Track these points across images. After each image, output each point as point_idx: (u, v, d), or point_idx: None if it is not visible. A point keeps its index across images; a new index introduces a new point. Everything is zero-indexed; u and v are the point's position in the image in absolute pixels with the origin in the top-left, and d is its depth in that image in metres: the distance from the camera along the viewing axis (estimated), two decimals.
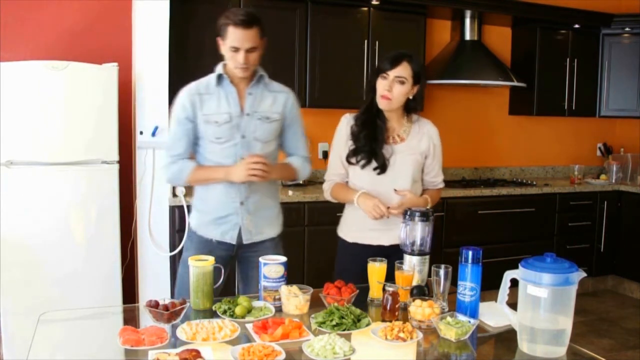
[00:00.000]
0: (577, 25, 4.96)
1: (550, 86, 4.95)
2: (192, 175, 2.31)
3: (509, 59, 5.14)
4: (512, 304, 1.73)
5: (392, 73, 2.29)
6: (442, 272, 1.93)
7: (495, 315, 1.85)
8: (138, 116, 3.54)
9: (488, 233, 4.47)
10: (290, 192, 3.93)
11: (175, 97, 2.36)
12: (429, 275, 2.04)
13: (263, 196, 2.38)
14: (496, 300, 1.81)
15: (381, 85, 2.32)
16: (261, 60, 2.30)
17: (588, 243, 4.94)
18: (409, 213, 2.12)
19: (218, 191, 2.33)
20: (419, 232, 2.09)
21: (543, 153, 5.47)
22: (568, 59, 4.99)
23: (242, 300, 1.88)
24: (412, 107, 2.42)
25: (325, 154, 4.46)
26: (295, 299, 1.88)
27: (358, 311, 1.81)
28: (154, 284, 3.58)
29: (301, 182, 4.21)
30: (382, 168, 2.35)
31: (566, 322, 1.62)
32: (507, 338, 1.76)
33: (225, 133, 2.27)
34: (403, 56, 2.31)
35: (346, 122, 2.45)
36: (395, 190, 2.34)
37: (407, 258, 2.07)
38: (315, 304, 1.92)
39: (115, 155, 3.33)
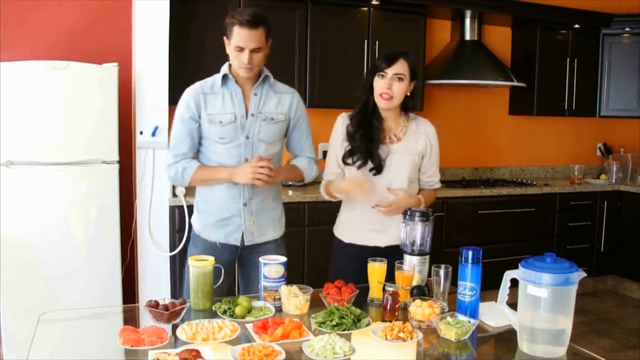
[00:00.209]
0: (577, 25, 4.96)
1: (550, 86, 4.95)
2: (195, 175, 2.30)
3: (509, 59, 5.14)
4: (512, 304, 1.73)
5: (391, 71, 2.28)
6: (442, 272, 1.93)
7: (495, 315, 1.85)
8: (138, 116, 3.54)
9: (488, 233, 4.47)
10: (290, 192, 3.93)
11: (176, 97, 2.36)
12: (429, 275, 2.04)
13: (266, 198, 2.38)
14: (496, 300, 1.81)
15: (380, 84, 2.30)
16: (264, 62, 2.30)
17: (588, 243, 4.94)
18: (409, 213, 2.12)
19: (221, 192, 2.32)
20: (419, 232, 2.09)
21: (543, 153, 5.47)
22: (568, 59, 4.99)
23: (242, 300, 1.88)
24: (409, 106, 2.40)
25: (325, 154, 4.43)
26: (295, 299, 1.88)
27: (358, 311, 1.81)
28: (154, 284, 3.58)
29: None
30: (378, 169, 2.34)
31: (566, 322, 1.62)
32: (507, 338, 1.76)
33: (229, 133, 2.27)
34: (400, 53, 2.31)
35: (342, 121, 2.43)
36: (389, 189, 2.34)
37: (407, 258, 2.07)
38: (315, 304, 1.92)
39: (115, 155, 3.33)
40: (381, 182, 2.35)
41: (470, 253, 1.85)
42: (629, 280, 5.00)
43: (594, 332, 4.12)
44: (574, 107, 5.06)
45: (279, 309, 1.91)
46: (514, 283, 1.70)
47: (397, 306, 1.84)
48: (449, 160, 4.95)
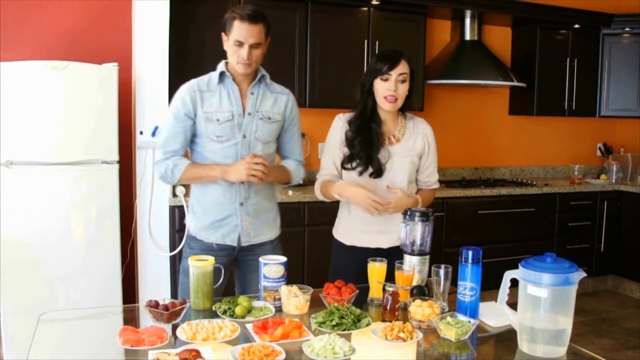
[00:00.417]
0: (577, 25, 4.96)
1: (550, 86, 4.96)
2: (185, 173, 2.25)
3: (509, 59, 5.14)
4: (512, 304, 1.73)
5: (395, 72, 2.26)
6: (442, 272, 1.93)
7: (495, 315, 1.85)
8: (138, 116, 3.54)
9: (488, 233, 4.47)
10: (290, 192, 3.93)
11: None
12: (429, 275, 2.04)
13: (262, 198, 2.36)
14: (496, 300, 1.81)
15: (383, 86, 2.28)
16: (262, 61, 2.29)
17: (588, 243, 4.94)
18: (409, 213, 2.12)
19: (217, 192, 2.29)
20: (419, 232, 2.08)
21: (543, 153, 5.47)
22: (568, 59, 4.99)
23: (242, 300, 1.88)
24: (409, 105, 2.39)
25: None
26: (295, 299, 1.88)
27: (358, 311, 1.81)
28: (154, 284, 3.58)
29: (301, 182, 4.22)
30: (378, 173, 2.33)
31: (566, 322, 1.62)
32: (507, 338, 1.76)
33: (226, 131, 2.25)
34: (400, 54, 2.29)
35: (341, 123, 2.40)
36: (388, 187, 2.33)
37: (407, 258, 2.07)
38: (315, 304, 1.92)
39: (115, 155, 3.33)
40: (381, 183, 2.35)
41: (470, 253, 1.85)
42: (629, 280, 5.00)
43: (594, 332, 4.12)
44: (574, 107, 5.06)
45: (279, 309, 1.91)
46: (514, 283, 1.70)
47: (397, 306, 1.84)
48: (449, 160, 4.95)
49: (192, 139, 2.30)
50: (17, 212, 3.14)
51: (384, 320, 1.83)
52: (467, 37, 4.76)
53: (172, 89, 3.41)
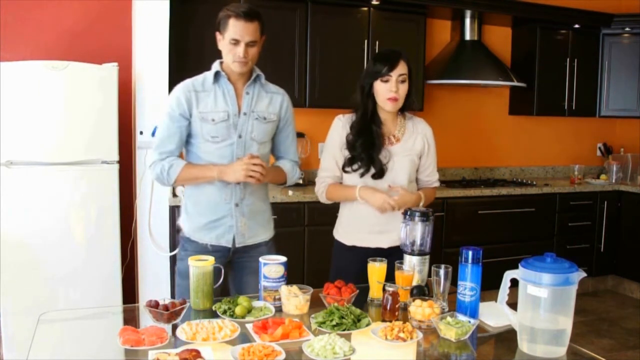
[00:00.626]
0: (577, 25, 4.96)
1: (550, 86, 4.95)
2: (182, 174, 2.22)
3: (509, 59, 5.14)
4: (512, 304, 1.73)
5: (395, 73, 2.27)
6: (442, 272, 1.93)
7: (495, 315, 1.85)
8: (138, 116, 3.54)
9: (488, 233, 4.47)
10: (290, 192, 3.93)
11: None
12: (429, 275, 2.04)
13: (256, 199, 2.34)
14: (496, 300, 1.81)
15: (384, 88, 2.28)
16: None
17: (588, 243, 4.94)
18: (409, 213, 2.12)
19: (212, 193, 2.27)
20: (419, 232, 2.09)
21: (543, 153, 5.47)
22: (568, 59, 4.99)
23: (242, 300, 1.88)
24: (409, 105, 2.39)
25: None
26: (295, 299, 1.88)
27: (358, 311, 1.81)
28: (154, 284, 3.58)
29: (301, 182, 4.23)
30: (380, 174, 2.34)
31: (566, 322, 1.62)
32: (507, 338, 1.76)
33: (221, 132, 2.23)
34: (399, 55, 2.30)
35: (341, 124, 2.40)
36: (389, 186, 2.33)
37: (407, 258, 2.07)
38: (315, 304, 1.92)
39: (115, 155, 3.33)
40: (382, 183, 2.35)
41: (470, 253, 1.85)
42: (629, 280, 5.00)
43: (594, 332, 4.12)
44: (574, 107, 5.06)
45: (279, 309, 1.91)
46: (514, 283, 1.70)
47: (397, 306, 1.84)
48: (449, 160, 4.95)
49: (187, 139, 2.28)
50: (17, 212, 3.14)
51: (384, 320, 1.83)
52: (467, 37, 4.76)
53: (172, 89, 3.43)
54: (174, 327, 1.72)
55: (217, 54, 2.30)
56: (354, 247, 2.42)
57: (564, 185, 4.91)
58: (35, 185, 3.16)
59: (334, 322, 1.72)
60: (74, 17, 3.75)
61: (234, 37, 2.15)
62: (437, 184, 2.54)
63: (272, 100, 2.33)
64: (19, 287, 3.15)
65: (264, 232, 2.40)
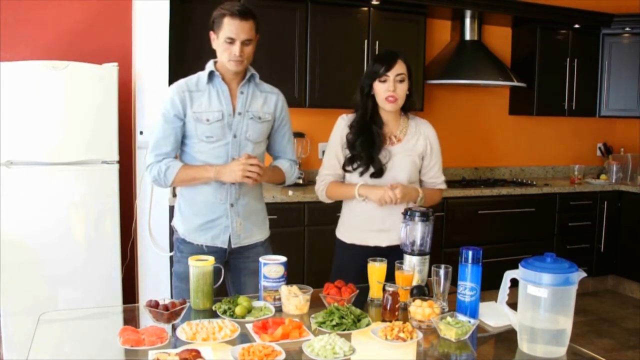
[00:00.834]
0: (577, 25, 4.96)
1: (550, 86, 4.95)
2: (179, 175, 2.21)
3: (509, 59, 5.14)
4: (512, 304, 1.73)
5: (392, 73, 2.28)
6: (442, 272, 1.93)
7: (495, 315, 1.85)
8: (138, 116, 3.54)
9: (488, 233, 4.47)
10: (290, 192, 3.93)
11: None
12: (429, 275, 2.04)
13: (251, 199, 2.33)
14: (496, 300, 1.81)
15: (382, 88, 2.30)
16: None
17: (588, 243, 4.94)
18: (409, 213, 2.12)
19: (207, 193, 2.26)
20: (419, 232, 2.09)
21: (543, 153, 5.47)
22: (568, 59, 4.99)
23: (242, 300, 1.88)
24: (409, 105, 2.40)
25: None
26: (295, 299, 1.88)
27: (358, 311, 1.81)
28: (154, 284, 3.58)
29: (301, 182, 4.23)
30: (379, 173, 2.34)
31: (566, 322, 1.62)
32: (507, 338, 1.76)
33: (216, 132, 2.21)
34: (396, 55, 2.31)
35: (344, 124, 2.42)
36: (391, 185, 2.33)
37: (407, 258, 2.07)
38: (315, 304, 1.92)
39: (115, 155, 3.33)
40: (382, 183, 2.35)
41: (470, 253, 1.85)
42: (629, 280, 5.00)
43: (594, 332, 4.12)
44: (574, 107, 5.06)
45: (279, 309, 1.91)
46: (514, 283, 1.70)
47: (397, 306, 1.84)
48: (449, 160, 4.91)
49: (182, 139, 2.26)
50: (17, 212, 3.14)
51: (384, 320, 1.83)
52: (467, 37, 4.76)
53: None
54: (174, 327, 1.72)
55: (217, 54, 2.30)
56: (353, 245, 2.44)
57: (564, 185, 4.91)
58: (35, 185, 3.16)
59: (334, 322, 1.72)
60: (74, 17, 3.75)
61: (229, 36, 2.14)
62: (442, 186, 2.52)
63: (267, 99, 2.32)
64: (19, 287, 3.15)
65: (260, 232, 2.39)
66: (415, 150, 2.41)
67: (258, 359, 1.49)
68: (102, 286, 3.32)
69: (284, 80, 3.93)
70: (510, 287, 1.75)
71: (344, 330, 1.70)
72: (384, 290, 1.88)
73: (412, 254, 2.08)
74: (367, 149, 2.34)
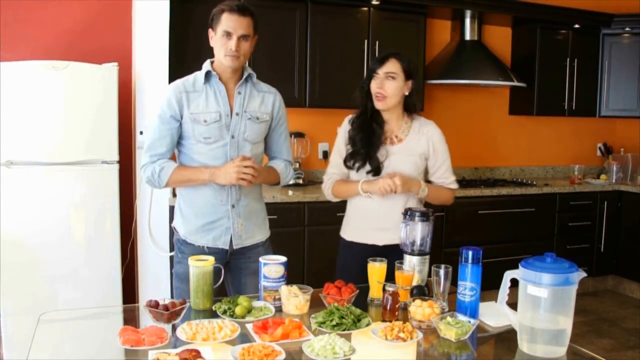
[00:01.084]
0: (577, 25, 4.96)
1: (550, 86, 4.96)
2: (173, 176, 2.19)
3: (509, 59, 5.14)
4: (512, 304, 1.73)
5: (382, 70, 2.31)
6: (442, 272, 1.93)
7: (495, 315, 1.85)
8: (138, 116, 3.54)
9: (488, 233, 4.47)
10: (290, 192, 3.93)
11: None
12: (429, 275, 2.04)
13: (252, 200, 2.33)
14: (496, 300, 1.81)
15: (374, 85, 2.34)
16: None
17: (588, 243, 4.94)
18: (409, 213, 2.12)
19: (208, 194, 2.25)
20: (419, 232, 2.09)
21: (543, 153, 5.47)
22: (568, 59, 4.99)
23: (242, 300, 1.88)
24: (409, 106, 2.41)
25: (326, 154, 4.45)
26: (295, 299, 1.88)
27: (358, 311, 1.81)
28: (154, 284, 3.58)
29: (301, 182, 4.23)
30: (376, 171, 2.35)
31: (566, 322, 1.62)
32: (507, 338, 1.76)
33: (214, 133, 2.20)
34: (391, 54, 2.34)
35: (348, 123, 2.46)
36: (387, 174, 2.33)
37: (407, 258, 2.07)
38: (315, 304, 1.92)
39: (115, 155, 3.33)
40: None
41: (470, 253, 1.85)
42: (629, 280, 5.00)
43: (594, 332, 4.12)
44: (574, 107, 5.06)
45: (279, 309, 1.91)
46: (514, 283, 1.70)
47: (397, 306, 1.84)
48: None
49: (179, 141, 2.25)
50: (17, 212, 3.14)
51: (384, 320, 1.83)
52: (467, 37, 4.76)
53: None
54: (174, 327, 1.72)
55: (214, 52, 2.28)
56: (352, 243, 2.46)
57: (564, 185, 4.91)
58: (35, 185, 3.16)
59: (334, 322, 1.72)
60: (74, 17, 3.75)
61: (226, 29, 2.13)
62: (452, 186, 2.49)
63: (264, 99, 2.31)
64: (19, 287, 3.15)
65: (260, 233, 2.39)
66: (417, 151, 2.40)
67: (258, 359, 1.49)
68: (102, 286, 3.32)
69: (284, 80, 3.93)
70: (510, 287, 1.75)
71: (344, 330, 1.70)
72: (384, 290, 1.88)
73: (412, 254, 2.08)
74: (365, 145, 2.36)
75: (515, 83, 4.71)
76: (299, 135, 4.34)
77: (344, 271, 2.38)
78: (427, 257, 2.09)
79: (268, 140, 2.39)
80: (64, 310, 2.17)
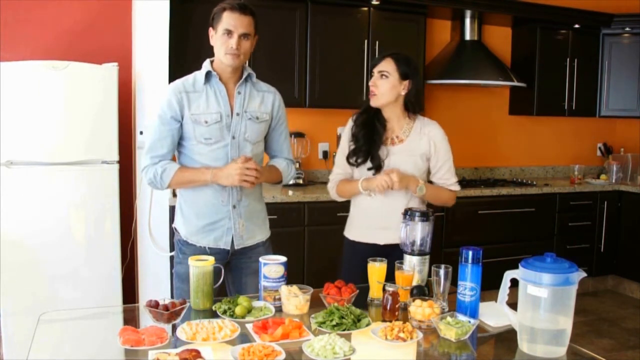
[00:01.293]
0: (577, 25, 4.96)
1: (550, 86, 4.96)
2: (175, 177, 2.18)
3: (509, 59, 5.14)
4: (512, 304, 1.73)
5: (377, 69, 2.37)
6: (442, 272, 1.93)
7: (495, 315, 1.85)
8: (138, 116, 3.54)
9: (488, 233, 4.47)
10: (290, 192, 3.93)
11: None
12: (429, 275, 2.04)
13: (253, 200, 2.33)
14: (496, 300, 1.81)
15: (370, 82, 2.40)
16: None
17: (588, 243, 4.94)
18: (409, 213, 2.12)
19: (209, 195, 2.24)
20: (419, 232, 2.09)
21: (543, 153, 5.47)
22: (568, 59, 4.99)
23: (242, 300, 1.88)
24: (410, 105, 2.41)
25: (326, 154, 4.46)
26: (295, 299, 1.88)
27: (358, 311, 1.81)
28: (154, 284, 3.58)
29: (301, 181, 4.23)
30: (377, 169, 2.36)
31: (566, 322, 1.62)
32: (507, 338, 1.76)
33: (215, 133, 2.19)
34: (389, 54, 2.38)
35: (352, 121, 2.49)
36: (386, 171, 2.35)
37: (407, 258, 2.07)
38: (315, 304, 1.92)
39: (115, 155, 3.33)
40: None
41: (470, 253, 1.85)
42: (629, 280, 5.00)
43: (594, 332, 4.12)
44: (574, 107, 5.06)
45: (279, 309, 1.91)
46: (514, 283, 1.70)
47: (397, 306, 1.84)
48: None
49: (180, 141, 2.24)
50: (17, 212, 3.14)
51: (384, 320, 1.83)
52: (467, 37, 4.76)
53: None
54: (174, 327, 1.72)
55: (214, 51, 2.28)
56: (355, 242, 2.48)
57: (564, 185, 4.91)
58: (35, 185, 3.16)
59: (334, 322, 1.72)
60: (74, 17, 3.75)
61: (227, 28, 2.13)
62: (454, 187, 2.48)
63: (264, 99, 2.31)
64: (19, 287, 3.15)
65: (261, 233, 2.39)
66: (418, 152, 2.40)
67: (258, 359, 1.49)
68: (102, 286, 3.32)
69: (284, 80, 3.93)
70: (510, 287, 1.75)
71: (344, 330, 1.70)
72: (384, 290, 1.88)
73: (412, 254, 2.08)
74: (367, 142, 2.38)
75: (515, 83, 4.71)
76: (299, 135, 4.34)
77: (347, 270, 2.40)
78: (427, 257, 2.09)
79: (268, 139, 2.39)
80: (64, 310, 2.16)
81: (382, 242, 2.39)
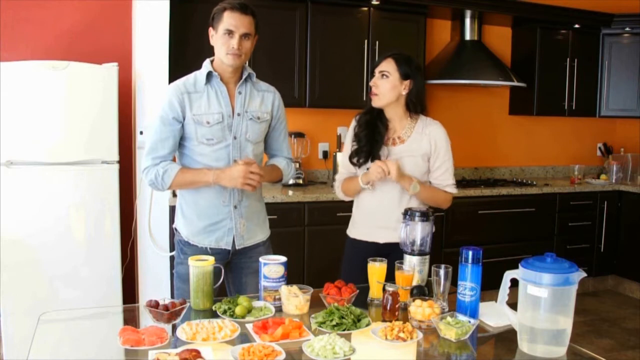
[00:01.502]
0: (577, 25, 4.96)
1: (550, 86, 4.96)
2: (176, 178, 2.17)
3: (509, 59, 5.14)
4: (512, 304, 1.73)
5: (377, 69, 2.38)
6: (442, 272, 1.93)
7: (495, 315, 1.85)
8: (138, 116, 3.54)
9: (488, 233, 4.47)
10: (290, 192, 3.93)
11: None
12: (429, 275, 2.04)
13: (253, 200, 2.33)
14: (496, 300, 1.81)
15: (371, 83, 2.40)
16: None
17: (588, 243, 4.94)
18: (409, 213, 2.12)
19: (210, 196, 2.24)
20: (419, 232, 2.09)
21: (543, 153, 5.47)
22: (568, 59, 4.99)
23: (242, 300, 1.88)
24: (412, 105, 2.40)
25: (326, 154, 4.46)
26: (295, 299, 1.88)
27: (358, 311, 1.81)
28: (154, 284, 3.58)
29: (301, 181, 4.23)
30: None
31: (566, 322, 1.62)
32: (507, 338, 1.76)
33: (216, 134, 2.19)
34: (390, 54, 2.39)
35: (355, 121, 2.51)
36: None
37: (407, 258, 2.07)
38: (315, 304, 1.92)
39: (115, 155, 3.33)
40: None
41: (470, 253, 1.85)
42: (629, 280, 5.00)
43: (594, 332, 4.12)
44: (574, 107, 5.06)
45: (279, 309, 1.91)
46: (514, 283, 1.70)
47: (397, 306, 1.84)
48: None
49: (181, 142, 2.24)
50: (17, 212, 3.14)
51: (384, 320, 1.83)
52: (467, 37, 4.76)
53: None
54: (174, 327, 1.72)
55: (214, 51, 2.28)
56: (355, 241, 2.49)
57: (564, 185, 4.91)
58: (35, 185, 3.16)
59: (334, 322, 1.72)
60: (74, 17, 3.75)
61: (228, 28, 2.13)
62: (450, 189, 2.45)
63: (264, 98, 2.31)
64: (19, 287, 3.15)
65: (261, 233, 2.39)
66: (419, 152, 2.40)
67: (258, 359, 1.49)
68: (102, 286, 3.32)
69: (284, 80, 3.93)
70: (510, 287, 1.75)
71: (344, 330, 1.70)
72: (384, 290, 1.88)
73: (412, 254, 2.08)
74: (369, 142, 2.39)
75: (515, 83, 4.71)
76: (299, 135, 4.34)
77: (348, 269, 2.42)
78: (427, 257, 2.09)
79: (268, 138, 2.39)
80: (64, 310, 2.16)
81: (382, 241, 2.39)
